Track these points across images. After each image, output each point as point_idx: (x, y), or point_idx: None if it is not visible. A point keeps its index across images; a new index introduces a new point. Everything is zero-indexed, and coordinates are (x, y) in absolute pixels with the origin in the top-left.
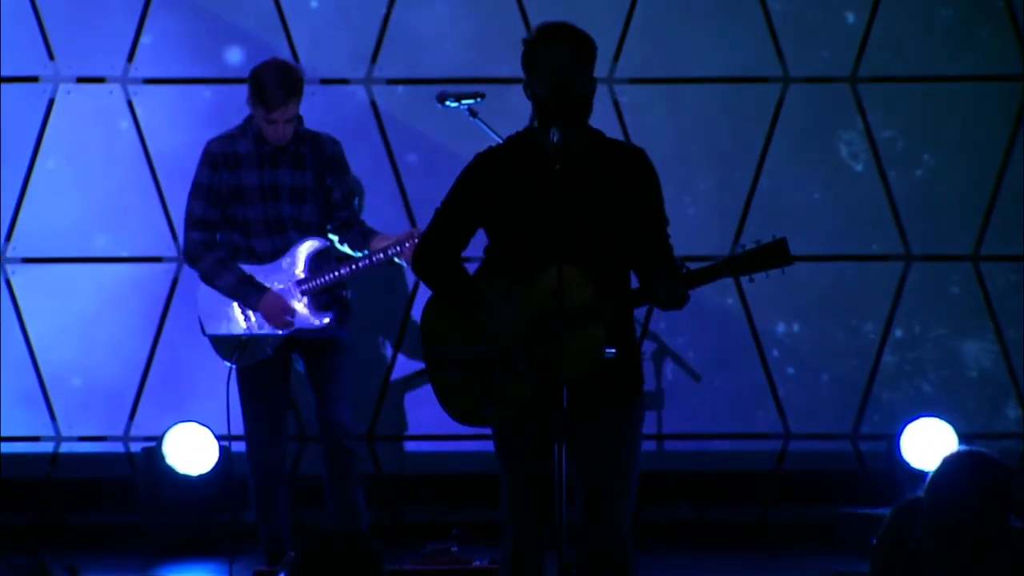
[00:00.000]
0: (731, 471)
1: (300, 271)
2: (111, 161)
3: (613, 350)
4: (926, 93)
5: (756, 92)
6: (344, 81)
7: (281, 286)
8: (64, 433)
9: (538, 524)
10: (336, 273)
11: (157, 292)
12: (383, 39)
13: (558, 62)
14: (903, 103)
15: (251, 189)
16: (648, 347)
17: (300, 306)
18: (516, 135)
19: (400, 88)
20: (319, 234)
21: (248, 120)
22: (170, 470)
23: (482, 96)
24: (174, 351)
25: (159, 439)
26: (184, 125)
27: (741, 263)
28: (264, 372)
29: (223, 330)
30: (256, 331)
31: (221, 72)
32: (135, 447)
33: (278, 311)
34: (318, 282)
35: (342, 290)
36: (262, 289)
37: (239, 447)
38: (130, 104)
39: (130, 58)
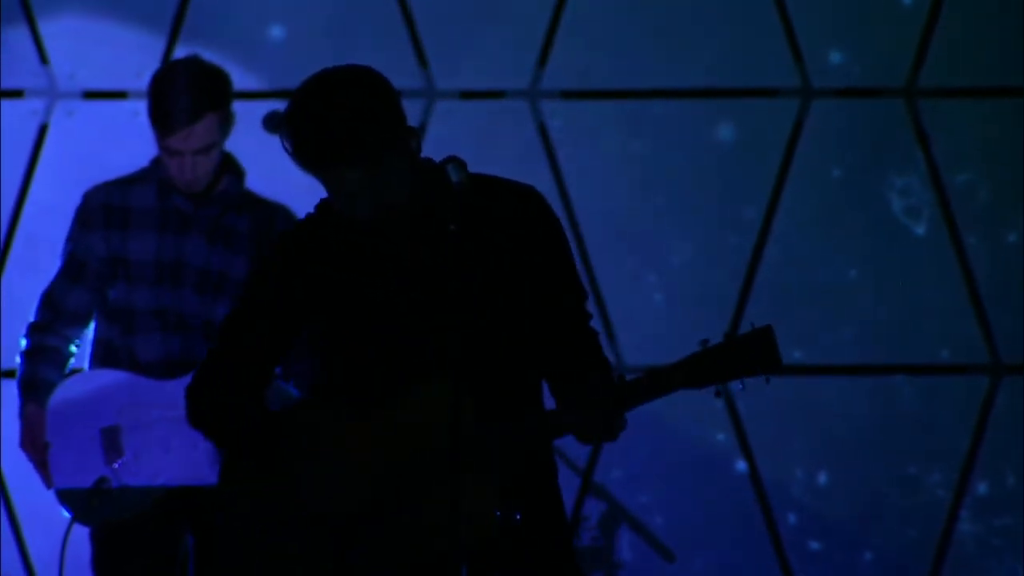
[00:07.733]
0: None
1: None
2: None
3: (518, 515)
4: None
5: (762, 112)
6: (122, 95)
7: (170, 415)
8: None
9: None
10: None
11: None
12: (178, 32)
13: (341, 186)
14: (987, 129)
15: (141, 264)
16: (594, 508)
17: (198, 452)
18: None
19: None
20: None
21: (155, 162)
22: None
23: None
24: None
25: None
26: None
27: (702, 366)
28: (135, 540)
29: (76, 480)
30: (124, 479)
31: None
32: None
33: (27, 434)
34: None
35: None
36: (36, 402)
37: None
38: None
39: None
